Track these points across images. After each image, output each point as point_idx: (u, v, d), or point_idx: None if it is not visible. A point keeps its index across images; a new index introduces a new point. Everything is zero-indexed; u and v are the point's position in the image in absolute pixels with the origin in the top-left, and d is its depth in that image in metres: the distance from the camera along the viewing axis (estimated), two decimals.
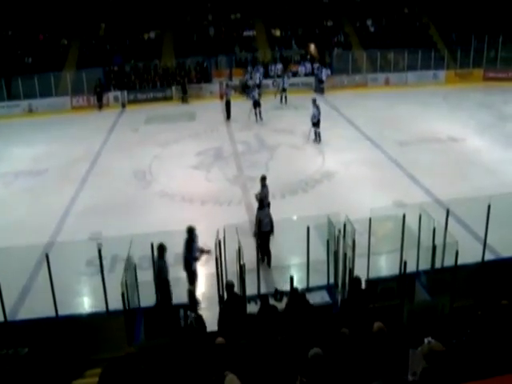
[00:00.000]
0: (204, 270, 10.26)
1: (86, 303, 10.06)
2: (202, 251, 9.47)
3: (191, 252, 9.33)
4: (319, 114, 18.81)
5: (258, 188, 12.11)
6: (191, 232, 9.39)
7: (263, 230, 10.38)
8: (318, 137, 19.10)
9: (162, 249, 8.59)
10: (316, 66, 29.52)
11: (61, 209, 14.13)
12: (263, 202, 10.97)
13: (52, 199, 14.87)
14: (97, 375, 5.84)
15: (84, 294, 10.43)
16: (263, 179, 12.02)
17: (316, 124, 18.99)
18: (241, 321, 7.29)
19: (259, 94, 25.92)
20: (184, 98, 27.33)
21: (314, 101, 19.22)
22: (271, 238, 10.72)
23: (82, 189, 15.66)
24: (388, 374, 4.46)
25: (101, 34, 31.25)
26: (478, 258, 9.05)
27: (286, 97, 26.07)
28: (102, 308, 8.14)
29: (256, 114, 22.02)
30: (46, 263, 7.64)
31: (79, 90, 26.92)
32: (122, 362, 4.99)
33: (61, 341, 7.54)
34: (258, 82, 26.91)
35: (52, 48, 29.58)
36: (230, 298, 7.51)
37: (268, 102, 25.85)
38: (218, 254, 8.01)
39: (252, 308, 7.84)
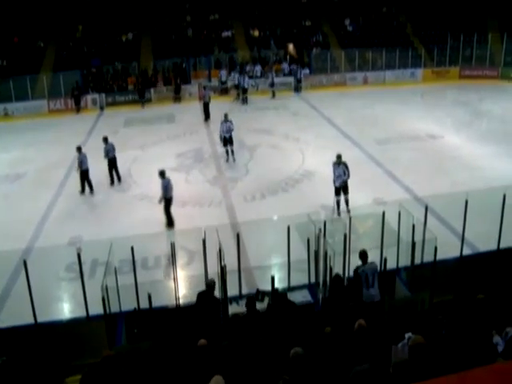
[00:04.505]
0: (186, 271, 10.26)
1: (65, 309, 9.90)
2: None
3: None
4: (231, 129, 17.05)
5: (238, 189, 12.13)
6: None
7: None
8: (232, 155, 17.28)
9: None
10: (293, 65, 29.59)
11: (39, 214, 13.89)
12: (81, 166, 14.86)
13: (30, 204, 14.62)
14: (77, 382, 5.76)
15: (64, 300, 10.27)
16: (78, 149, 14.99)
17: (229, 141, 17.15)
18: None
19: (242, 96, 25.92)
20: (177, 98, 27.27)
21: (226, 116, 17.20)
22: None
23: (60, 193, 15.43)
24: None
25: (78, 35, 30.89)
26: (457, 254, 9.17)
27: (246, 98, 26.09)
28: (82, 313, 8.04)
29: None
30: (24, 269, 7.50)
31: (56, 93, 26.55)
32: (102, 367, 4.92)
33: (40, 348, 7.42)
34: (246, 86, 26.41)
35: (28, 50, 29.10)
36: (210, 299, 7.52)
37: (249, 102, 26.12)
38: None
39: (234, 309, 7.82)
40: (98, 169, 15.87)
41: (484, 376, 3.44)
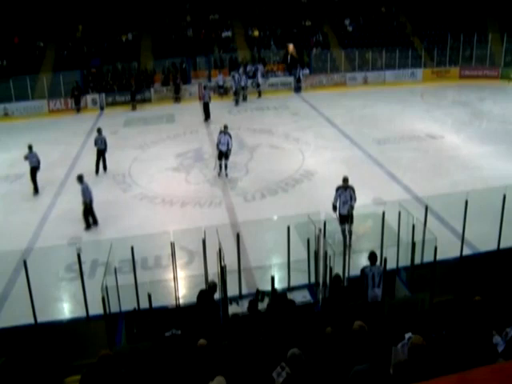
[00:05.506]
0: (186, 271, 10.26)
1: (65, 309, 9.90)
2: None
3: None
4: (229, 144, 15.64)
5: (238, 189, 12.13)
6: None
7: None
8: (225, 170, 15.89)
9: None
10: (294, 70, 29.55)
11: (39, 214, 13.90)
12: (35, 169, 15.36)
13: (30, 204, 14.64)
14: (77, 382, 5.76)
15: (64, 300, 10.27)
16: (30, 148, 15.44)
17: (225, 155, 15.73)
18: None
19: (240, 97, 26.04)
20: (177, 98, 27.30)
21: (226, 127, 15.84)
22: None
23: (60, 193, 15.43)
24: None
25: (78, 35, 30.86)
26: (457, 254, 9.17)
27: (245, 95, 26.52)
28: (82, 313, 8.04)
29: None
30: (23, 269, 7.50)
31: (56, 93, 26.54)
32: (99, 366, 4.92)
33: (40, 348, 7.42)
34: (243, 84, 26.66)
35: (28, 50, 29.09)
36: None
37: (248, 102, 26.17)
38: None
39: (234, 309, 7.82)
40: (102, 172, 16.07)
41: (484, 376, 3.44)
